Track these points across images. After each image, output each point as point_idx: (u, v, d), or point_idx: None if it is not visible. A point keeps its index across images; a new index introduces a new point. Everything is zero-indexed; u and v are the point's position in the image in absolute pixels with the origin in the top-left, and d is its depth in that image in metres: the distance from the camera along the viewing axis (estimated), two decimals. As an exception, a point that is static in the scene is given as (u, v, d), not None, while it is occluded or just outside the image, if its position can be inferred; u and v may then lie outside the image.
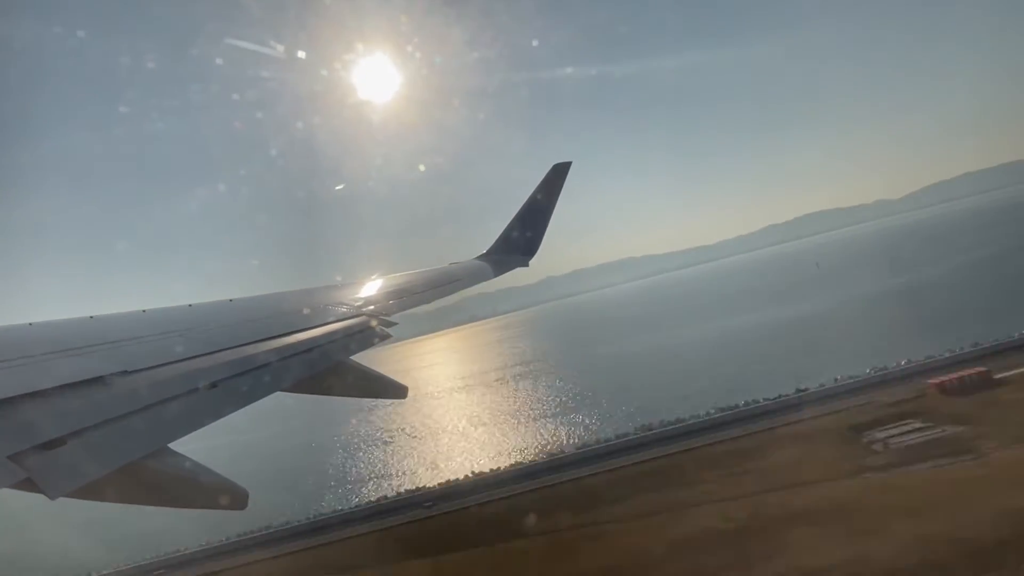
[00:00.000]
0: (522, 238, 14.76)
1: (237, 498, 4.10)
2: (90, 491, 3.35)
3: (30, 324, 5.40)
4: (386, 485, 74.71)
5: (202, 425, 4.14)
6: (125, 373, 4.34)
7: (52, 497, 3.04)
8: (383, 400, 7.14)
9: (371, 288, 9.79)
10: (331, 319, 7.30)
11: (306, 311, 7.71)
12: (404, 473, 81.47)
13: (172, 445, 3.99)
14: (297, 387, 5.58)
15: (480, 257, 14.52)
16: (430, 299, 9.82)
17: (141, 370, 4.48)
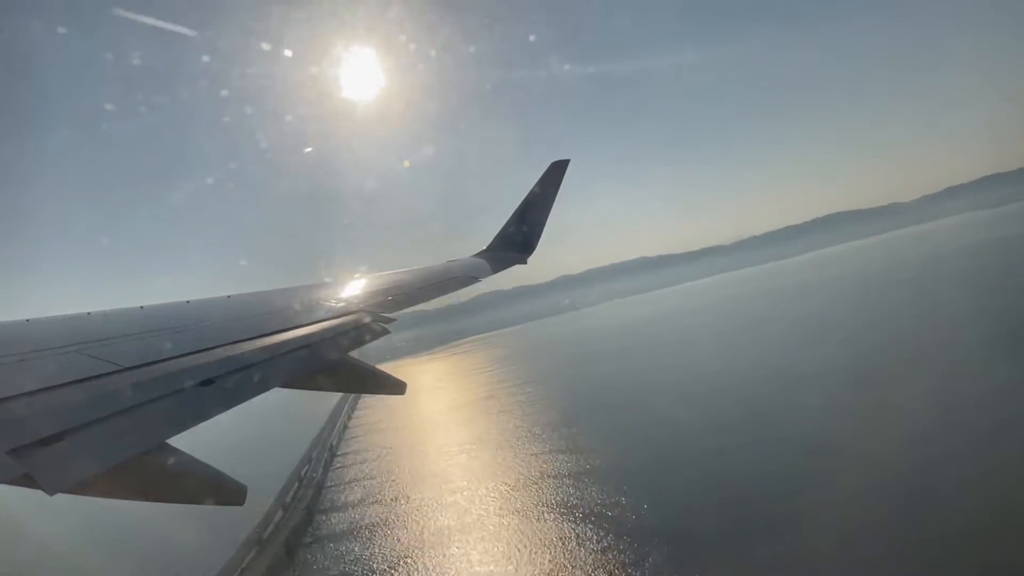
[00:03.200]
0: (520, 235, 14.81)
1: (235, 493, 4.11)
2: (88, 487, 3.36)
3: (27, 320, 5.40)
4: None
5: (200, 421, 4.15)
6: (123, 369, 4.34)
7: (50, 493, 3.05)
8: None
9: (368, 285, 9.80)
10: (328, 315, 7.31)
11: (303, 307, 7.72)
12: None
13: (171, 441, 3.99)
14: (295, 383, 5.59)
15: (478, 254, 14.56)
16: (428, 297, 9.83)
17: (139, 366, 4.49)
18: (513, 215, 15.02)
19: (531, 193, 14.93)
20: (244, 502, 4.12)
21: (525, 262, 14.53)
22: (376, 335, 7.14)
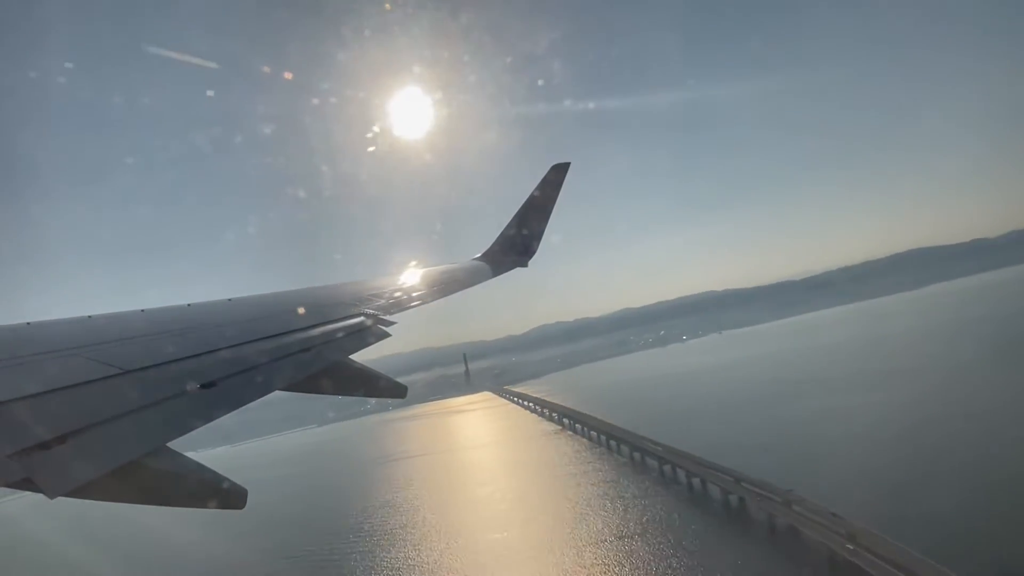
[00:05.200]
0: (520, 238, 14.78)
1: (236, 497, 4.10)
2: (89, 490, 3.35)
3: (28, 323, 5.41)
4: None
5: (201, 424, 4.14)
6: (124, 372, 4.34)
7: (51, 496, 3.04)
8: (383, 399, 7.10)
9: (369, 287, 9.80)
10: (329, 318, 7.31)
11: (304, 310, 7.72)
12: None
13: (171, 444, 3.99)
14: (295, 386, 5.59)
15: (478, 257, 14.54)
16: (430, 299, 9.84)
17: (139, 369, 4.49)
18: (513, 218, 14.96)
19: (531, 196, 14.86)
20: (244, 506, 4.11)
21: (526, 265, 14.52)
22: (377, 337, 7.14)
